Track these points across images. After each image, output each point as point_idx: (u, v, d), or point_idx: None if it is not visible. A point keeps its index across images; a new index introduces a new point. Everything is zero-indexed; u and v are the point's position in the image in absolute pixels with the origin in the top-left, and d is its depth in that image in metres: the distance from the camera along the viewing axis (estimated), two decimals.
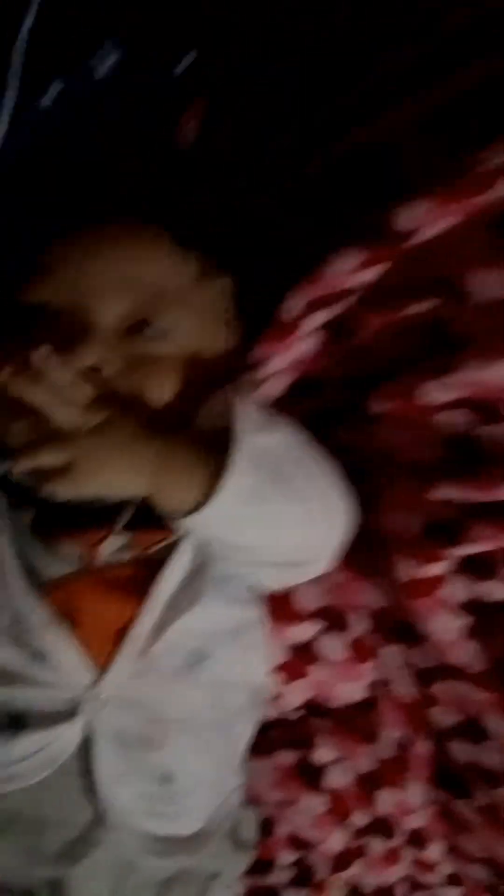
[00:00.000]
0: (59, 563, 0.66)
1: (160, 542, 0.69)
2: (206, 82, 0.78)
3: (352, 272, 0.71)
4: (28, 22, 0.66)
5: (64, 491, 0.60)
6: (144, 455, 0.61)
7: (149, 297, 0.67)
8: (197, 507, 0.62)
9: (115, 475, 0.60)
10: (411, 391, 0.74)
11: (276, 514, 0.64)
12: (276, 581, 0.76)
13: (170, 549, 0.69)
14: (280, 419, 0.68)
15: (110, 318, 0.67)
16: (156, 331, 0.69)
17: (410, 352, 0.76)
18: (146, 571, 0.67)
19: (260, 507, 0.62)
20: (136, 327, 0.67)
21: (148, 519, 0.69)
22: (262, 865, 0.86)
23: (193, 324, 0.71)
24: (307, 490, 0.66)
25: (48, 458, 0.59)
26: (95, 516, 0.68)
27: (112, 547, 0.67)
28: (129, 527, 0.68)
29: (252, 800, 0.83)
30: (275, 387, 0.84)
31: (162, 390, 0.68)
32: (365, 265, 0.71)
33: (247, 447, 0.61)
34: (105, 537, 0.67)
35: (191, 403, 0.70)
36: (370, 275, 0.72)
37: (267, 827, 0.86)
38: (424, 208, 0.66)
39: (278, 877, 0.87)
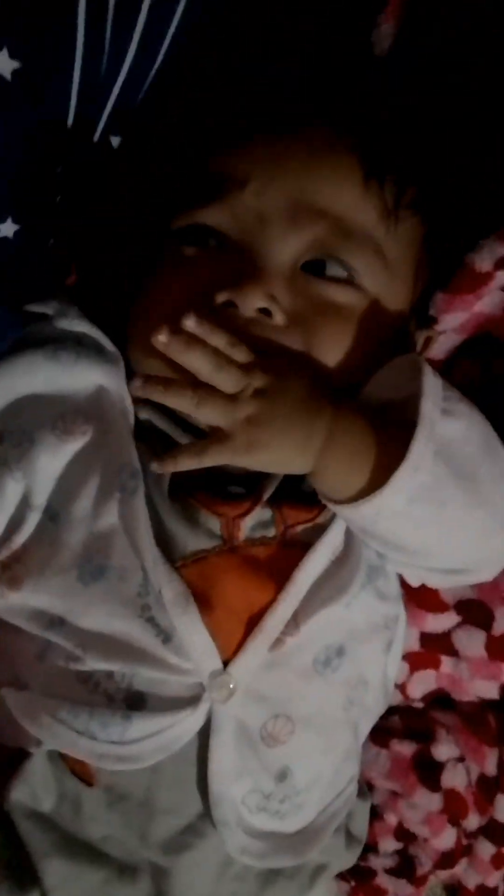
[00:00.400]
0: (197, 535, 0.59)
1: (308, 521, 0.61)
2: None
3: None
4: None
5: (218, 460, 0.53)
6: (315, 428, 0.54)
7: (334, 231, 0.58)
8: (362, 495, 0.54)
9: (280, 451, 0.53)
10: None
11: (453, 519, 0.56)
12: (433, 582, 0.67)
13: (318, 532, 0.61)
14: (466, 402, 0.58)
15: (288, 253, 0.58)
16: (337, 272, 0.59)
17: None
18: (289, 554, 0.60)
19: (436, 508, 0.55)
20: (316, 265, 0.58)
21: (297, 493, 0.61)
22: (363, 849, 0.81)
23: (379, 268, 0.61)
24: (491, 494, 0.57)
25: (209, 420, 0.52)
26: (239, 484, 0.61)
27: (254, 521, 0.59)
28: (274, 500, 0.60)
29: (364, 788, 0.78)
30: (445, 345, 0.74)
31: (336, 344, 0.59)
32: None
33: (430, 434, 0.53)
34: (249, 511, 0.59)
35: (363, 365, 0.60)
36: None
37: (375, 813, 0.80)
38: None
39: (379, 862, 0.82)
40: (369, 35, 0.65)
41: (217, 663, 0.58)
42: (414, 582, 0.69)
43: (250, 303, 0.55)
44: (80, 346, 0.59)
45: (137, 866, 0.61)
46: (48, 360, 0.58)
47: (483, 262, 0.64)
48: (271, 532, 0.60)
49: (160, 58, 0.58)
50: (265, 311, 0.56)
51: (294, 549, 0.60)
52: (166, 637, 0.57)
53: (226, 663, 0.58)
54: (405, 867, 0.83)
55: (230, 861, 0.62)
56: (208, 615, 0.58)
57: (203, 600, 0.58)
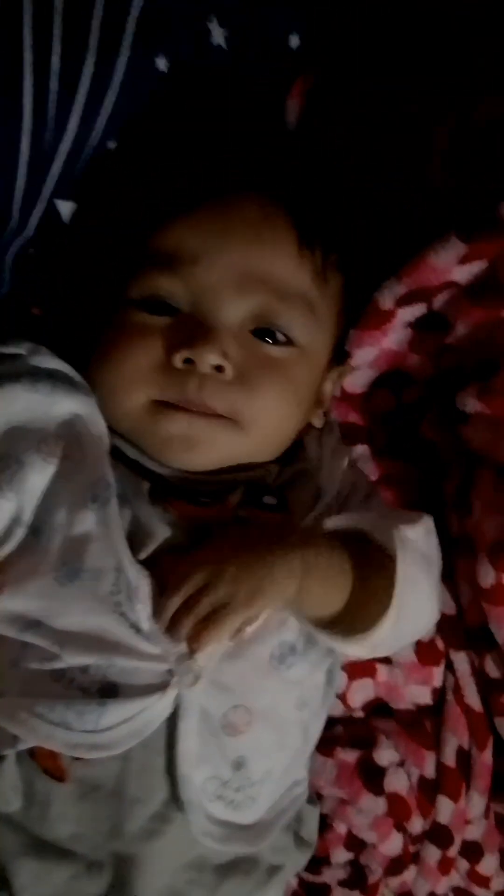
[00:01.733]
0: (172, 534, 0.65)
1: (272, 524, 0.69)
2: (312, 61, 0.76)
3: (456, 263, 0.69)
4: None
5: (234, 625, 0.61)
6: (291, 563, 0.63)
7: (274, 295, 0.67)
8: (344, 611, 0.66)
9: (272, 592, 0.62)
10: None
11: (409, 632, 0.74)
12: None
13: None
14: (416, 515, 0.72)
15: (236, 317, 0.67)
16: (279, 334, 0.69)
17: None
18: None
19: (403, 625, 0.67)
20: (261, 328, 0.68)
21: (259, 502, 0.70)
22: (315, 861, 0.84)
23: (311, 324, 0.70)
24: (418, 633, 0.76)
25: (210, 601, 0.60)
26: (208, 495, 0.69)
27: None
28: (244, 504, 0.68)
29: (313, 796, 0.82)
30: (362, 380, 0.83)
31: (275, 393, 0.68)
32: (470, 258, 0.69)
33: (403, 588, 0.65)
34: (218, 513, 0.66)
35: (298, 407, 0.71)
36: (476, 268, 0.70)
37: (325, 823, 0.84)
38: None
39: (331, 875, 0.86)
40: (282, 111, 0.76)
41: (183, 648, 0.63)
42: None
43: (207, 359, 0.64)
44: (54, 379, 0.67)
45: (103, 861, 0.65)
46: (27, 390, 0.65)
47: (385, 300, 0.74)
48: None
49: (99, 131, 0.68)
50: (218, 369, 0.66)
51: None
52: (138, 628, 0.63)
53: (192, 652, 0.63)
54: (357, 877, 0.87)
55: (189, 849, 0.66)
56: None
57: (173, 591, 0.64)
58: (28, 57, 0.62)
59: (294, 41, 0.73)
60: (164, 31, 0.67)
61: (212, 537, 0.64)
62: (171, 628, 0.61)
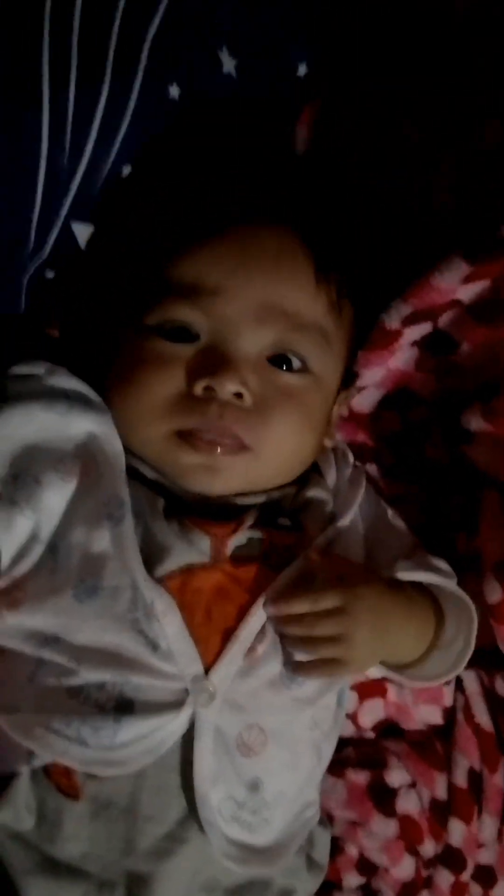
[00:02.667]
0: (188, 550, 0.67)
1: (288, 544, 0.71)
2: (319, 88, 0.78)
3: (460, 283, 0.70)
4: (155, 21, 0.67)
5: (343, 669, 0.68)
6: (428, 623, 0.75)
7: (292, 326, 0.69)
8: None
9: (408, 644, 0.74)
10: None
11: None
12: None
13: (290, 556, 0.70)
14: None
15: (255, 347, 0.68)
16: (294, 363, 0.70)
17: None
18: (265, 573, 0.68)
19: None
20: (278, 358, 0.69)
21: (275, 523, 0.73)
22: (327, 886, 0.83)
23: (326, 353, 0.72)
24: None
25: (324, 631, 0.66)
26: (221, 515, 0.70)
27: (243, 541, 0.68)
28: (262, 526, 0.70)
29: (324, 818, 0.81)
30: (369, 400, 0.84)
31: (292, 419, 0.69)
32: (473, 277, 0.70)
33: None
34: (234, 531, 0.68)
35: (313, 431, 0.73)
36: (479, 287, 0.71)
37: (336, 846, 0.84)
38: None
39: None
40: (290, 138, 0.78)
41: (199, 668, 0.64)
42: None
43: (227, 388, 0.66)
44: (70, 399, 0.68)
45: (114, 881, 0.64)
46: (45, 410, 0.67)
47: (392, 320, 0.75)
48: (256, 551, 0.69)
49: (113, 156, 0.70)
50: (237, 396, 0.67)
51: (269, 569, 0.69)
52: (154, 646, 0.64)
53: (207, 670, 0.65)
54: None
55: (202, 871, 0.66)
56: (192, 624, 0.65)
57: (187, 610, 0.65)
58: (46, 83, 0.64)
59: (302, 69, 0.76)
60: (177, 60, 0.70)
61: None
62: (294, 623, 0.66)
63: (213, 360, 0.67)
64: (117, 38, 0.66)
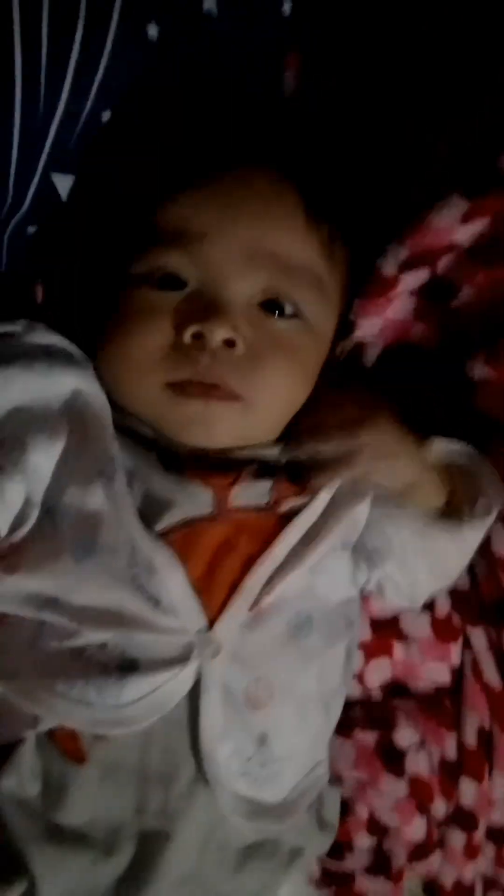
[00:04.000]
0: (188, 503, 0.65)
1: (296, 495, 0.69)
2: (305, 28, 0.75)
3: (459, 222, 0.67)
4: None
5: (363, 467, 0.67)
6: (411, 445, 0.71)
7: (283, 270, 0.66)
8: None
9: (401, 463, 0.69)
10: None
11: (448, 569, 0.79)
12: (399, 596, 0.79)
13: (297, 510, 0.68)
14: None
15: (245, 292, 0.66)
16: (286, 308, 0.68)
17: None
18: (273, 524, 0.67)
19: (460, 556, 0.78)
20: (269, 304, 0.67)
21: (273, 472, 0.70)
22: (338, 847, 0.82)
23: (319, 299, 0.69)
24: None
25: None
26: (219, 467, 0.68)
27: (246, 493, 0.67)
28: (270, 476, 0.69)
29: (333, 778, 0.80)
30: (369, 355, 0.81)
31: (285, 368, 0.67)
32: (472, 215, 0.67)
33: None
34: (236, 480, 0.67)
35: (307, 381, 0.71)
36: (478, 226, 0.69)
37: (346, 807, 0.82)
38: None
39: (355, 861, 0.84)
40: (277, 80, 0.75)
41: (203, 622, 0.63)
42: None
43: (217, 334, 0.63)
44: (51, 356, 0.66)
45: (123, 845, 0.63)
46: (24, 370, 0.64)
47: (388, 266, 0.72)
48: (264, 500, 0.67)
49: (91, 102, 0.67)
50: (229, 343, 0.65)
51: (277, 521, 0.68)
52: (156, 601, 0.62)
53: (212, 623, 0.64)
54: (381, 863, 0.85)
55: (214, 829, 0.65)
56: (194, 577, 0.64)
57: (190, 564, 0.64)
58: (17, 27, 0.61)
59: (287, 7, 0.72)
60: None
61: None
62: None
63: (203, 307, 0.65)
64: None
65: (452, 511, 0.73)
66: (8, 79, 0.62)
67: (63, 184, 0.70)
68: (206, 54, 0.71)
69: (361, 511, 0.72)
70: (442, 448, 0.74)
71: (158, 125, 0.71)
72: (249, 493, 0.67)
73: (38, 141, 0.66)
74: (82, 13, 0.64)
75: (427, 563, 0.74)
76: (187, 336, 0.64)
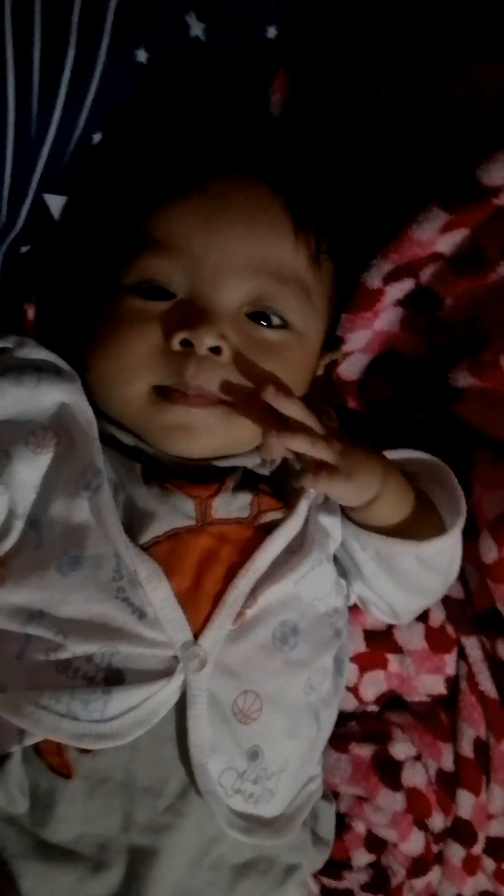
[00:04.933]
0: (172, 514, 0.66)
1: (276, 509, 0.70)
2: (291, 49, 0.77)
3: (439, 233, 0.69)
4: None
5: (336, 487, 0.65)
6: (376, 461, 0.69)
7: (271, 280, 0.68)
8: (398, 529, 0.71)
9: (366, 477, 0.67)
10: (497, 361, 0.71)
11: (426, 584, 0.77)
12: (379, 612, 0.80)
13: (277, 522, 0.69)
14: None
15: (233, 301, 0.67)
16: (274, 319, 0.69)
17: (495, 322, 0.74)
18: (254, 536, 0.68)
19: (429, 574, 0.76)
20: (257, 313, 0.68)
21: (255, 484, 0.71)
22: (336, 865, 0.81)
23: (307, 309, 0.70)
24: (452, 573, 0.78)
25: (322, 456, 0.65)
26: (199, 479, 0.69)
27: (227, 505, 0.67)
28: (251, 489, 0.70)
29: (329, 794, 0.80)
30: (356, 366, 0.83)
31: (276, 377, 0.68)
32: (451, 227, 0.69)
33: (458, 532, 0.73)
34: (218, 492, 0.67)
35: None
36: (458, 237, 0.70)
37: (343, 824, 0.82)
38: None
39: (354, 879, 0.83)
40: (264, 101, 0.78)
41: (188, 635, 0.63)
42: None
43: (205, 342, 0.64)
44: (40, 371, 0.67)
45: (112, 861, 0.63)
46: (13, 385, 0.66)
47: (373, 279, 0.74)
48: (246, 513, 0.68)
49: (83, 123, 0.69)
50: (215, 350, 0.66)
51: (258, 533, 0.68)
52: (141, 613, 0.62)
53: (196, 637, 0.64)
54: (380, 881, 0.84)
55: (208, 847, 0.64)
56: (179, 590, 0.64)
57: (175, 576, 0.64)
58: (9, 51, 0.64)
59: (272, 32, 0.75)
60: (143, 23, 0.69)
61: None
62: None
63: (191, 314, 0.66)
64: (81, 2, 0.65)
65: (414, 525, 0.71)
66: (1, 100, 0.64)
67: (55, 204, 0.73)
68: (194, 77, 0.73)
69: (335, 525, 0.73)
70: (405, 458, 0.74)
71: (149, 145, 0.74)
72: (231, 506, 0.68)
73: (30, 162, 0.68)
74: (73, 38, 0.66)
75: (394, 582, 0.74)
76: (175, 343, 0.65)
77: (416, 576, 0.73)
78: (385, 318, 0.78)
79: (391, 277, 0.73)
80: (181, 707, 0.63)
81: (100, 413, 0.69)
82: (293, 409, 0.65)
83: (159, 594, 0.63)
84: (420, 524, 0.71)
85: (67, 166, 0.71)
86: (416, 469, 0.75)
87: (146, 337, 0.66)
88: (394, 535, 0.70)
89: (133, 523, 0.65)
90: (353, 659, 0.83)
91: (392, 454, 0.73)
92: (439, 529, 0.71)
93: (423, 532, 0.71)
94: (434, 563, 0.73)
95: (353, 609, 0.80)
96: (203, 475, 0.69)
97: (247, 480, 0.71)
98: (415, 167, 0.73)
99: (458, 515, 0.72)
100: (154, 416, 0.67)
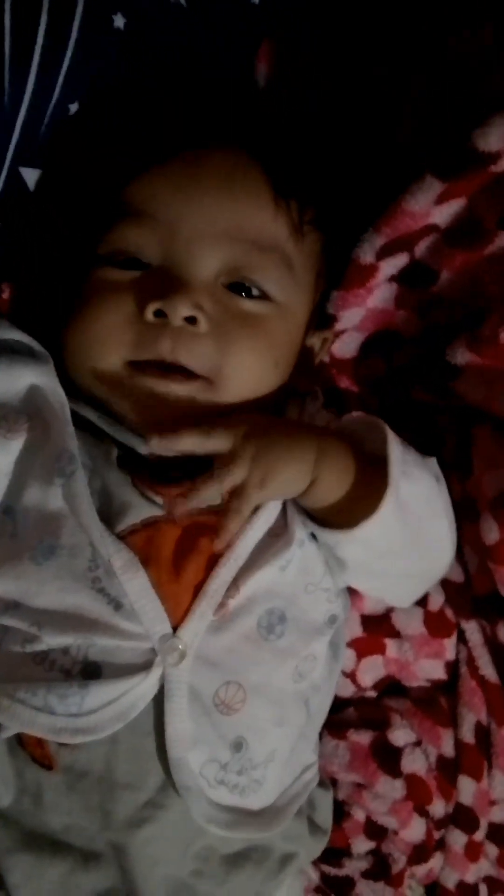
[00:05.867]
0: (147, 505, 0.63)
1: None
2: (276, 24, 0.74)
3: (434, 204, 0.66)
4: None
5: (251, 504, 0.59)
6: (305, 447, 0.62)
7: (250, 248, 0.65)
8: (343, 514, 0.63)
9: (286, 474, 0.61)
10: (496, 336, 0.69)
11: (396, 568, 0.70)
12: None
13: (255, 508, 0.65)
14: (419, 463, 0.67)
15: (209, 270, 0.64)
16: (255, 287, 0.66)
17: (493, 296, 0.71)
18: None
19: (385, 559, 0.67)
20: (234, 283, 0.65)
21: None
22: (336, 853, 0.80)
23: (288, 280, 0.68)
24: (432, 551, 0.71)
25: (231, 481, 0.59)
26: (177, 468, 0.65)
27: (199, 498, 0.62)
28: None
29: (327, 781, 0.78)
30: (351, 344, 0.80)
31: (251, 349, 0.65)
32: (446, 197, 0.66)
33: (395, 496, 0.61)
34: (187, 492, 0.61)
35: (275, 369, 0.67)
36: (454, 208, 0.68)
37: (342, 811, 0.81)
38: None
39: (354, 866, 0.81)
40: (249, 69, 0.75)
41: (167, 627, 0.61)
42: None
43: (179, 311, 0.61)
44: (13, 352, 0.65)
45: (101, 852, 0.61)
46: None
47: (365, 254, 0.71)
48: (218, 499, 0.63)
49: (58, 93, 0.66)
50: (191, 321, 0.62)
51: None
52: (117, 605, 0.60)
53: (175, 629, 0.61)
54: (380, 868, 0.82)
55: (193, 839, 0.63)
56: (157, 581, 0.61)
57: (153, 566, 0.62)
58: None
59: None
60: None
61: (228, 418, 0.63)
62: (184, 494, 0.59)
63: (165, 283, 0.63)
64: None
65: (360, 500, 0.63)
66: None
67: (31, 177, 0.69)
68: (175, 45, 0.70)
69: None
70: (354, 425, 0.69)
71: (126, 115, 0.70)
72: (202, 497, 0.63)
73: (4, 135, 0.66)
74: (46, 4, 0.63)
75: (354, 571, 0.69)
76: (149, 313, 0.62)
77: (369, 562, 0.67)
78: (378, 295, 0.75)
79: (384, 252, 0.70)
80: (160, 700, 0.61)
81: (76, 394, 0.66)
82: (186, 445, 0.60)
83: (135, 585, 0.61)
84: (363, 500, 0.62)
85: (43, 139, 0.68)
86: (370, 435, 0.67)
87: (119, 308, 0.64)
88: (335, 521, 0.64)
89: (110, 511, 0.63)
90: (351, 644, 0.81)
91: (346, 421, 0.70)
92: (375, 504, 0.62)
93: (365, 510, 0.62)
94: (381, 547, 0.65)
95: (351, 593, 0.77)
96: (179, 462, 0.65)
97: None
98: (407, 142, 0.70)
99: (387, 488, 0.61)
100: (129, 391, 0.64)
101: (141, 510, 0.63)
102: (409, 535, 0.65)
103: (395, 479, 0.61)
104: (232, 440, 0.59)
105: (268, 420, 0.64)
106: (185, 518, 0.63)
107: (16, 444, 0.62)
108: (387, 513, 0.61)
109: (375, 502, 0.61)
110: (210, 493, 0.59)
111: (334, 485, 0.63)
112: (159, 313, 0.62)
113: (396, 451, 0.63)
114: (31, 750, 0.61)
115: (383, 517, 0.61)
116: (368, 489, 0.62)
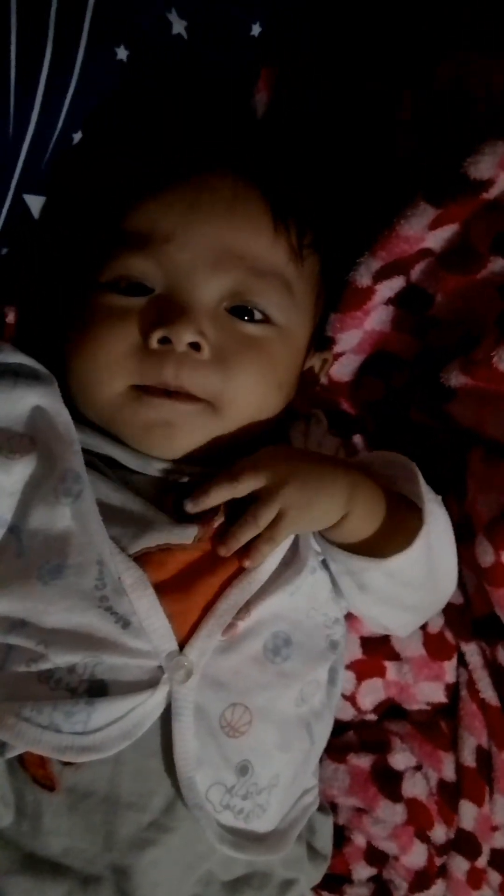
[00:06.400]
0: (170, 530, 0.64)
1: None
2: (274, 50, 0.76)
3: (428, 229, 0.68)
4: None
5: (287, 534, 0.64)
6: (337, 482, 0.65)
7: (250, 273, 0.66)
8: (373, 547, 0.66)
9: (320, 508, 0.64)
10: (489, 360, 0.69)
11: (411, 599, 0.72)
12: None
13: None
14: (438, 501, 0.70)
15: (212, 296, 0.65)
16: (256, 312, 0.67)
17: (487, 320, 0.72)
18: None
19: (405, 589, 0.70)
20: (237, 309, 0.66)
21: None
22: (337, 879, 0.79)
23: (288, 303, 0.69)
24: (443, 584, 0.74)
25: (266, 519, 0.63)
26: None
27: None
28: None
29: (327, 806, 0.78)
30: (348, 367, 0.81)
31: (253, 372, 0.66)
32: (440, 222, 0.68)
33: (427, 535, 0.66)
34: (228, 538, 0.64)
35: (277, 390, 0.69)
36: (447, 233, 0.69)
37: (342, 836, 0.80)
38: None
39: (354, 893, 0.80)
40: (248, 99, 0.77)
41: (173, 645, 0.61)
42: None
43: (183, 338, 0.63)
44: (16, 375, 0.65)
45: (100, 875, 0.61)
46: None
47: (362, 277, 0.73)
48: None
49: (62, 123, 0.68)
50: (194, 346, 0.64)
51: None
52: (125, 623, 0.60)
53: (182, 647, 0.61)
54: (382, 895, 0.81)
55: (196, 863, 0.62)
56: (167, 599, 0.62)
57: (163, 585, 0.62)
58: None
59: (256, 29, 0.74)
60: (123, 20, 0.68)
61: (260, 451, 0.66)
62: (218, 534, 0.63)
63: (168, 310, 0.64)
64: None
65: (388, 536, 0.67)
66: None
67: (35, 204, 0.71)
68: (176, 75, 0.72)
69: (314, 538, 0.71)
70: (383, 461, 0.72)
71: (129, 143, 0.72)
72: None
73: (9, 163, 0.67)
74: (51, 35, 0.65)
75: (369, 597, 0.70)
76: (153, 341, 0.63)
77: (389, 592, 0.69)
78: (376, 318, 0.77)
79: (381, 275, 0.72)
80: (166, 719, 0.60)
81: (81, 420, 0.67)
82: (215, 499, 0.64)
83: (144, 603, 0.61)
84: (395, 535, 0.66)
85: (47, 166, 0.69)
86: (395, 472, 0.70)
87: (123, 335, 0.65)
88: (363, 551, 0.67)
89: (126, 530, 0.63)
90: (351, 667, 0.81)
91: (369, 457, 0.72)
92: (408, 538, 0.66)
93: (397, 543, 0.66)
94: (405, 579, 0.68)
95: (349, 616, 0.78)
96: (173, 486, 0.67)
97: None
98: (401, 167, 0.71)
99: (423, 525, 0.66)
100: (133, 414, 0.65)
101: (162, 534, 0.63)
102: (430, 569, 0.69)
103: (428, 517, 0.65)
104: (261, 478, 0.62)
105: (294, 453, 0.68)
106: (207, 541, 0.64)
107: (20, 465, 0.63)
108: (418, 548, 0.65)
109: (408, 537, 0.65)
110: (249, 536, 0.62)
111: (365, 520, 0.66)
112: (164, 340, 0.63)
113: (427, 490, 0.67)
114: (34, 770, 0.60)
115: (415, 552, 0.65)
116: (398, 525, 0.66)
